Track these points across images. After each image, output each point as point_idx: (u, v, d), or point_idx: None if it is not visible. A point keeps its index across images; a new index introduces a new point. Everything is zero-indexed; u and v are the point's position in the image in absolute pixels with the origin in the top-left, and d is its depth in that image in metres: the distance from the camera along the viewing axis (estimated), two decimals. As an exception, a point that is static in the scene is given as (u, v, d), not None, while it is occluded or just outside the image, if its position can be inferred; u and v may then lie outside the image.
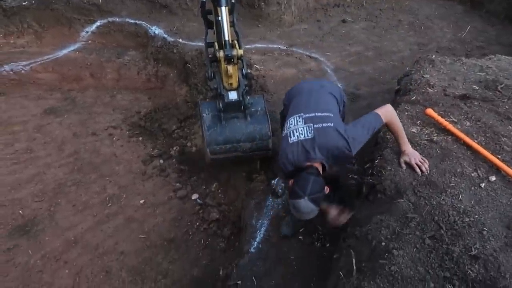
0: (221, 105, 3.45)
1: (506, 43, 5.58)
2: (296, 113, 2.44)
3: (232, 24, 3.51)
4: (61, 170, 4.53)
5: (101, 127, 5.19)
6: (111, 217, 4.00)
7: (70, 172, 4.51)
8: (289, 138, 2.35)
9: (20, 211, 4.00)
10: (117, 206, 4.14)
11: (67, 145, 4.88)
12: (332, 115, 2.40)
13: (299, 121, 2.38)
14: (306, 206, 2.10)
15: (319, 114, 2.39)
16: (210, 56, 3.65)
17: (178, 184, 4.39)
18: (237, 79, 3.49)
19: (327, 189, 2.21)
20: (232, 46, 3.30)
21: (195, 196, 4.23)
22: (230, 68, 3.34)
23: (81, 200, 4.17)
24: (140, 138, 5.04)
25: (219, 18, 3.20)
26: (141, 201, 4.20)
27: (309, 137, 2.29)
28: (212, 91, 3.84)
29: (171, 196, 4.28)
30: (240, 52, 3.31)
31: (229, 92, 3.47)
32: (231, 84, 3.47)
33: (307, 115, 2.39)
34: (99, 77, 5.93)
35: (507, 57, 3.78)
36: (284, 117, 2.81)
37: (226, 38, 3.28)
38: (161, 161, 4.69)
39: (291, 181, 2.24)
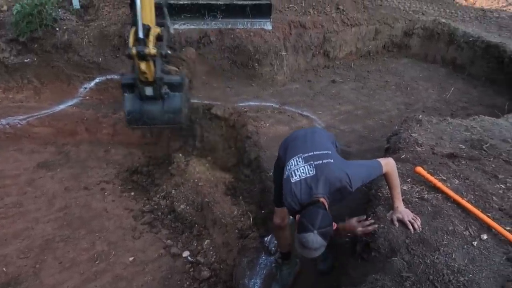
0: (140, 93, 3.69)
1: (488, 104, 5.83)
2: (295, 155, 2.47)
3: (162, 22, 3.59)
4: (49, 225, 4.45)
5: (94, 182, 5.17)
6: (98, 275, 3.88)
7: (59, 227, 4.42)
8: (291, 178, 2.35)
9: (4, 268, 3.87)
10: (106, 263, 4.02)
11: (57, 199, 4.82)
12: (330, 152, 2.45)
13: (299, 161, 2.41)
14: (315, 240, 2.04)
15: (318, 152, 2.44)
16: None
17: (169, 241, 4.32)
18: (153, 74, 3.59)
19: (334, 225, 2.17)
20: (148, 42, 3.32)
21: (186, 254, 4.14)
22: (143, 65, 3.41)
23: (68, 257, 4.05)
24: (132, 193, 5.01)
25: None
26: (131, 259, 4.10)
27: (311, 174, 2.31)
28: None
29: (162, 253, 4.19)
30: (153, 51, 3.33)
31: (145, 87, 3.67)
32: (146, 78, 3.58)
33: (306, 155, 2.43)
34: (94, 132, 6.00)
35: (490, 118, 3.94)
36: (279, 167, 2.82)
37: (140, 36, 3.31)
38: (152, 216, 4.64)
39: (297, 216, 2.20)
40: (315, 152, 2.43)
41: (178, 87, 3.91)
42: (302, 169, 2.36)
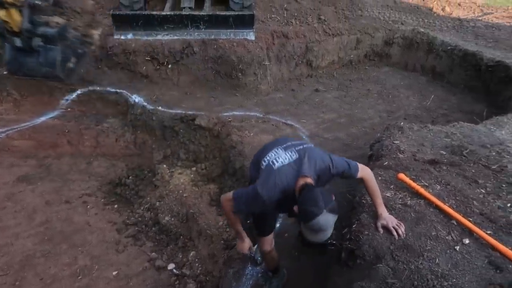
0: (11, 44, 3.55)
1: (467, 111, 5.97)
2: (272, 149, 2.40)
3: None
4: (30, 240, 4.33)
5: (75, 195, 5.08)
6: (81, 291, 3.78)
7: (40, 242, 4.31)
8: (272, 165, 2.25)
9: (-18, 287, 3.74)
10: (88, 278, 3.93)
11: (38, 213, 4.71)
12: (307, 143, 2.47)
13: (279, 151, 2.34)
14: (327, 219, 1.94)
15: (295, 142, 2.44)
16: None
17: (153, 253, 4.25)
18: (18, 24, 3.46)
19: (333, 196, 2.08)
20: None
21: (171, 266, 4.08)
22: (2, 13, 3.31)
23: (49, 273, 3.95)
24: (116, 206, 4.93)
25: None
26: (114, 273, 4.02)
27: (294, 158, 2.26)
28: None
29: (146, 266, 4.11)
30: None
31: (14, 38, 3.59)
32: (11, 27, 3.48)
33: (284, 145, 2.39)
34: (76, 144, 5.91)
35: (469, 124, 4.03)
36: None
37: None
38: (136, 228, 4.57)
39: (295, 207, 2.07)
40: (292, 142, 2.43)
41: (54, 40, 3.72)
42: (284, 156, 2.29)
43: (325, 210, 1.92)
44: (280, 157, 2.28)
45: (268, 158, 2.33)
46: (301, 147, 2.35)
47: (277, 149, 2.37)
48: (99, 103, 6.20)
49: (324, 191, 2.04)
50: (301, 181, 2.16)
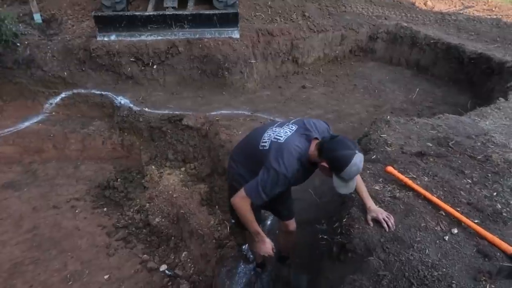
0: None
1: (452, 103, 6.05)
2: (264, 132, 2.29)
3: None
4: (18, 248, 4.26)
5: (63, 200, 5.01)
6: (72, 296, 3.74)
7: (28, 249, 4.25)
8: (278, 141, 2.14)
9: (-31, 297, 3.67)
10: (79, 283, 3.89)
11: (25, 220, 4.64)
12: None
13: (275, 129, 2.25)
14: (361, 159, 1.98)
15: (284, 120, 2.37)
16: None
17: (145, 255, 4.22)
18: None
19: None
20: None
21: (163, 267, 4.06)
22: None
23: (39, 280, 3.90)
24: (105, 209, 4.88)
25: None
26: (106, 277, 3.98)
27: (295, 128, 2.19)
28: None
29: (138, 268, 4.09)
30: None
31: None
32: None
33: (275, 125, 2.31)
34: (62, 148, 5.83)
35: (454, 115, 4.09)
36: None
37: None
38: (127, 231, 4.53)
39: (323, 163, 2.04)
40: (282, 121, 2.36)
41: None
42: (284, 130, 2.19)
43: (357, 150, 1.97)
44: (281, 133, 2.18)
45: (267, 138, 2.21)
46: (294, 120, 2.31)
47: (272, 129, 2.28)
48: (84, 106, 6.13)
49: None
50: (314, 144, 2.14)
